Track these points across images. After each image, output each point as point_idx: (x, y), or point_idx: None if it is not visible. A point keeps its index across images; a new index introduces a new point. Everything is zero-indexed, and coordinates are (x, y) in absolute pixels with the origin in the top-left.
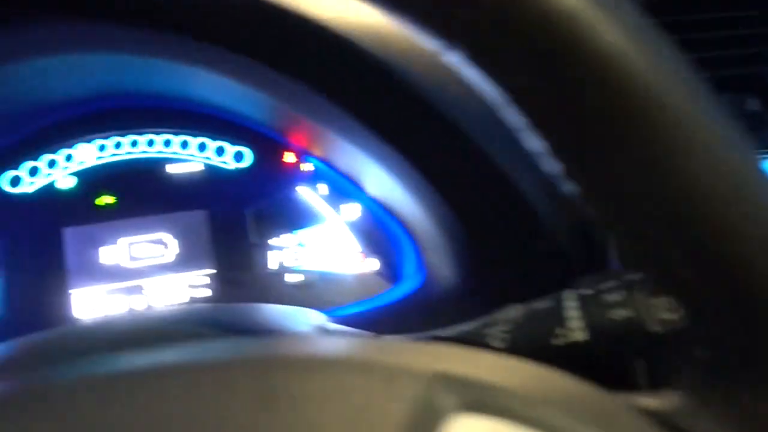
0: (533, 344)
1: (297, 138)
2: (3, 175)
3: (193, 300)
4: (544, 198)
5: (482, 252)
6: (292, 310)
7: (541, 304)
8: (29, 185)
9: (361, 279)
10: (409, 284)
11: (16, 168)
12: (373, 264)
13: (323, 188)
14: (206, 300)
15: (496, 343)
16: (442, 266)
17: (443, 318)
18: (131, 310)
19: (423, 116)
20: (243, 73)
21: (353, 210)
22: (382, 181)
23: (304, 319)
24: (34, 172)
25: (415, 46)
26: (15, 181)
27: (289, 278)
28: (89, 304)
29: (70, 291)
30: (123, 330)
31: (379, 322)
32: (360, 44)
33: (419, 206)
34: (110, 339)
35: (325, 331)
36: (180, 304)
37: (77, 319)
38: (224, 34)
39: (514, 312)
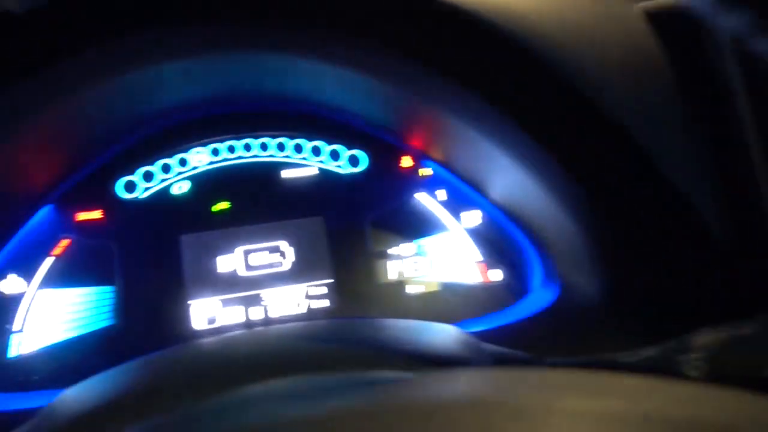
0: (738, 374)
1: (415, 140)
2: (118, 180)
3: (312, 312)
4: (715, 205)
5: (628, 263)
6: (435, 326)
7: (745, 329)
8: (144, 191)
9: (485, 290)
10: (539, 297)
11: (131, 173)
12: (497, 274)
13: (442, 194)
14: (325, 312)
15: (692, 372)
16: (579, 278)
17: (585, 335)
18: (250, 322)
19: (574, 109)
20: (362, 64)
21: (474, 217)
22: (509, 185)
23: (448, 335)
24: (149, 177)
25: (571, 30)
26: (130, 187)
27: (410, 289)
28: (207, 314)
29: (189, 302)
30: (270, 351)
31: (515, 338)
32: (502, 27)
33: (555, 211)
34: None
35: (484, 352)
36: (301, 315)
37: (198, 330)
38: (342, 21)
39: (708, 337)
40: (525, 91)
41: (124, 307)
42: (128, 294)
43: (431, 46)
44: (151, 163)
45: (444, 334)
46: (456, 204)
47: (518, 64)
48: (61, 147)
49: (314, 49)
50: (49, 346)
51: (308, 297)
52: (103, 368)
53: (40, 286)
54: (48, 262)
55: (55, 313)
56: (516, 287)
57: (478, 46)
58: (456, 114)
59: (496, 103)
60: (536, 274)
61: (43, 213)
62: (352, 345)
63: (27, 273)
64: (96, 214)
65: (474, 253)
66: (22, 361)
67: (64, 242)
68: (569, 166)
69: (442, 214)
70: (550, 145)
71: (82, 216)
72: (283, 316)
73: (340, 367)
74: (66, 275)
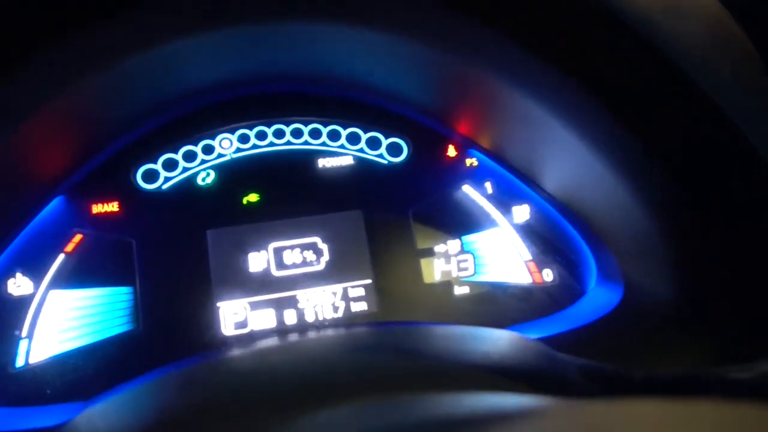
0: None
1: (463, 125)
2: (138, 169)
3: (351, 315)
4: None
5: (709, 263)
6: (501, 333)
7: None
8: (166, 181)
9: (536, 292)
10: (596, 299)
11: (152, 161)
12: (548, 274)
13: (489, 186)
14: (365, 315)
15: None
16: (646, 278)
17: (654, 342)
18: (283, 327)
19: (660, 85)
20: (411, 28)
21: (524, 212)
22: (570, 173)
23: (525, 346)
24: (171, 165)
25: None
26: (150, 176)
27: (457, 290)
28: (236, 318)
29: (217, 304)
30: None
31: (578, 345)
32: None
33: (624, 202)
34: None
35: (570, 366)
36: (338, 320)
37: (227, 336)
38: None
39: None
40: (602, 59)
41: (144, 310)
42: (149, 296)
43: (489, 2)
44: (174, 151)
45: (519, 345)
46: (504, 197)
47: (595, 26)
48: (74, 131)
49: (358, 11)
50: (60, 354)
51: (346, 299)
52: (122, 379)
53: (50, 286)
54: (59, 260)
55: (68, 317)
56: (569, 288)
57: (544, 4)
58: (516, 88)
59: (568, 70)
60: (591, 274)
61: (54, 205)
62: (432, 359)
63: (36, 272)
64: (112, 207)
65: (523, 252)
66: (31, 372)
67: (77, 237)
68: (651, 150)
69: (489, 209)
70: (630, 125)
71: (98, 208)
72: (319, 321)
73: (433, 386)
74: (79, 274)
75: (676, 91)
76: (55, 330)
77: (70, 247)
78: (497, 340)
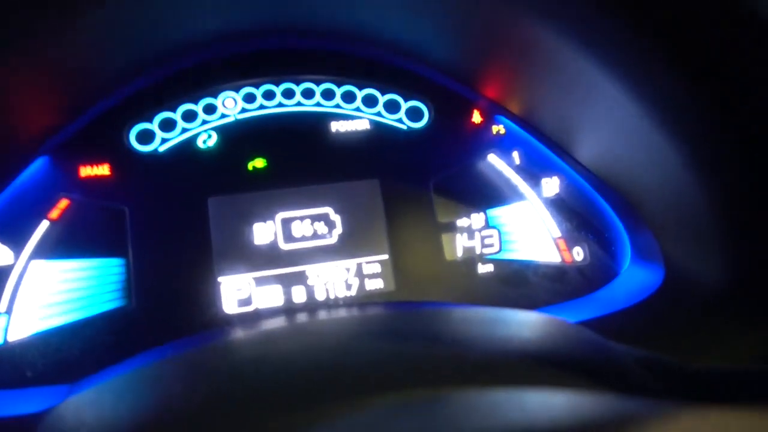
0: None
1: (490, 87)
2: (132, 129)
3: (366, 293)
4: None
5: (762, 242)
6: (537, 316)
7: None
8: (162, 142)
9: (567, 272)
10: (631, 280)
11: (147, 120)
12: (579, 252)
13: (517, 156)
14: (381, 294)
15: None
16: (690, 258)
17: (702, 328)
18: (291, 305)
19: (720, 42)
20: None
21: (553, 184)
22: (608, 140)
23: (574, 333)
24: (168, 125)
25: None
26: (145, 137)
27: (481, 269)
28: (239, 294)
29: (218, 279)
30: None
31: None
32: None
33: (669, 174)
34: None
35: (627, 357)
36: (352, 298)
37: (229, 314)
38: None
39: None
40: (654, 9)
41: (137, 284)
42: (143, 269)
43: None
44: (172, 109)
45: (566, 332)
46: (533, 168)
47: None
48: (61, 83)
49: None
50: (43, 332)
51: (360, 275)
52: (112, 361)
53: (32, 256)
54: (42, 227)
55: (52, 290)
56: (602, 268)
57: None
58: (556, 37)
59: (621, 14)
60: (625, 253)
61: (37, 166)
62: (466, 346)
63: (16, 240)
64: (103, 170)
65: (552, 228)
66: (10, 351)
67: (63, 203)
68: (712, 113)
69: (516, 180)
70: (692, 84)
71: (86, 171)
72: (331, 299)
73: (473, 381)
74: (65, 243)
75: (750, 49)
76: (38, 305)
77: (54, 213)
78: (538, 325)
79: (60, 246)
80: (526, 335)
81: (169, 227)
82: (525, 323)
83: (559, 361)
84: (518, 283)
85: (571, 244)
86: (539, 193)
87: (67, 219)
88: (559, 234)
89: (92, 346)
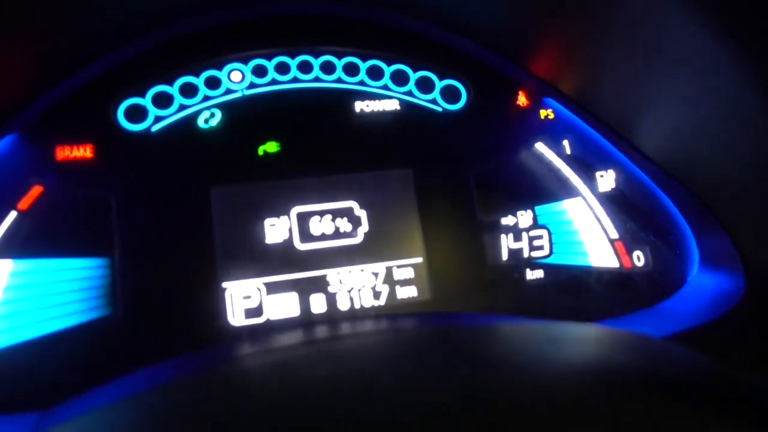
0: None
1: (538, 64)
2: (120, 104)
3: (397, 303)
4: None
5: None
6: (619, 333)
7: None
8: (157, 121)
9: (626, 278)
10: (702, 288)
11: (139, 95)
12: (639, 257)
13: (569, 145)
14: (415, 304)
15: None
16: None
17: None
18: (309, 316)
19: None
20: None
21: (611, 178)
22: (673, 129)
23: (636, 345)
24: (164, 100)
25: None
26: (136, 114)
27: (530, 275)
28: (247, 303)
29: (222, 284)
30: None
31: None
32: None
33: (751, 166)
34: None
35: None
36: (381, 308)
37: (235, 327)
38: None
39: None
40: None
41: (124, 290)
42: (131, 271)
43: None
44: (168, 82)
45: (668, 352)
46: (587, 159)
47: None
48: (34, 45)
49: None
50: (9, 347)
51: (390, 282)
52: (92, 383)
53: None
54: (9, 219)
55: (20, 296)
56: (666, 275)
57: None
58: (621, 5)
59: None
60: (692, 258)
61: (4, 145)
62: (536, 373)
63: None
64: (84, 151)
65: (609, 229)
66: None
67: (36, 190)
68: None
69: (567, 173)
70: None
71: (64, 153)
72: (356, 310)
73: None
74: (36, 239)
75: None
76: (5, 314)
77: (24, 203)
78: (624, 345)
79: (30, 242)
80: (615, 358)
81: (163, 222)
82: (605, 342)
83: (671, 391)
84: (572, 292)
85: (630, 247)
86: (594, 188)
87: (39, 210)
88: (617, 235)
89: (68, 364)
